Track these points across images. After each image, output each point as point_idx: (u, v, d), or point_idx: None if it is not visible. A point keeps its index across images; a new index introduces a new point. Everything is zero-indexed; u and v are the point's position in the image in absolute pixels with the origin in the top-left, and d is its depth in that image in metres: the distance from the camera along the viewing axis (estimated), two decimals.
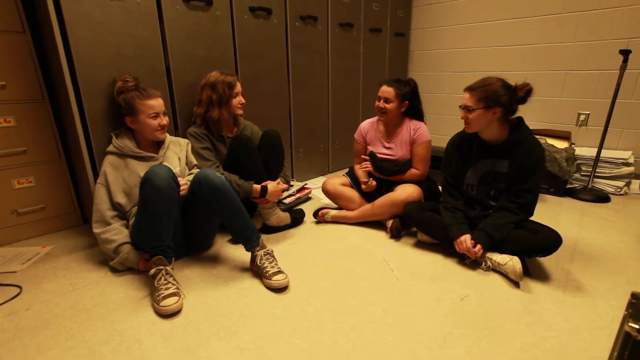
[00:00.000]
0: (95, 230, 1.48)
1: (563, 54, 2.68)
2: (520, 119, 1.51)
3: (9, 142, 1.70)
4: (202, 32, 1.91)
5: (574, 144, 2.69)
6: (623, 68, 2.13)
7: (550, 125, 2.81)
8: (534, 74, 2.82)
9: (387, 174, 1.92)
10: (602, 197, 2.31)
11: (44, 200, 1.85)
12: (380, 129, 2.01)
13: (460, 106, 1.52)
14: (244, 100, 1.83)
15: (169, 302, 1.23)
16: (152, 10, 1.70)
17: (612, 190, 2.43)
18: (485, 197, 1.59)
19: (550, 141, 2.58)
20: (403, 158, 1.94)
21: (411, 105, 1.90)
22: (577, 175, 2.52)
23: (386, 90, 1.86)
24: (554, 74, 2.74)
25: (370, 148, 2.03)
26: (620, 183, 2.42)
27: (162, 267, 1.31)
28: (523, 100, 1.45)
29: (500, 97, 1.42)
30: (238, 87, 1.81)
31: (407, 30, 3.40)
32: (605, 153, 2.45)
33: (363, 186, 1.89)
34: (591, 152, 2.49)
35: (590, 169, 2.40)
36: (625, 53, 2.11)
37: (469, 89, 1.48)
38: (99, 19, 1.55)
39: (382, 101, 1.88)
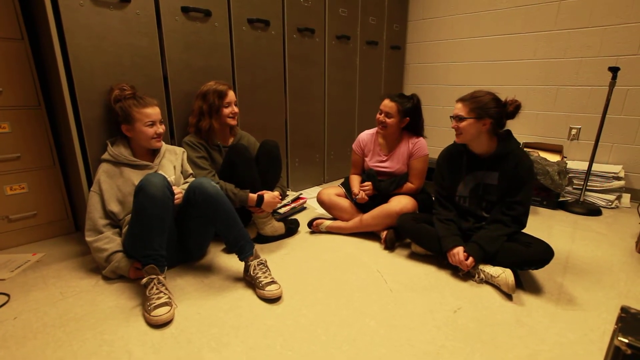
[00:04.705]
0: (88, 239, 1.47)
1: (555, 69, 2.74)
2: (509, 132, 1.55)
3: (3, 148, 1.69)
4: (201, 43, 1.93)
5: (565, 157, 2.73)
6: (612, 84, 2.18)
7: (543, 139, 2.86)
8: (527, 88, 2.87)
9: (386, 193, 1.93)
10: (593, 211, 2.34)
11: (36, 207, 1.83)
12: (379, 141, 2.02)
13: (451, 116, 1.56)
14: (236, 110, 1.83)
15: (160, 312, 1.22)
16: (152, 20, 1.71)
17: (604, 203, 2.46)
18: (478, 208, 1.61)
19: (543, 154, 2.61)
20: (400, 171, 1.96)
21: (412, 121, 1.91)
22: (569, 188, 2.55)
23: (388, 105, 1.87)
24: (546, 88, 2.79)
25: (367, 160, 2.04)
26: (612, 196, 2.45)
27: (154, 277, 1.30)
28: (512, 114, 1.50)
29: (491, 109, 1.47)
30: (230, 97, 1.79)
31: (402, 44, 3.46)
32: (596, 167, 2.49)
33: (354, 196, 1.90)
34: (583, 165, 2.53)
35: (582, 183, 2.43)
36: (614, 70, 2.16)
37: (462, 99, 1.54)
38: (98, 28, 1.56)
39: (383, 115, 1.89)
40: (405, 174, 1.95)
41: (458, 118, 1.52)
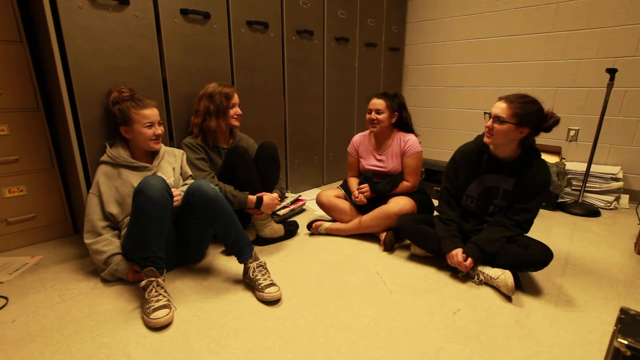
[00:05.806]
0: (86, 241, 1.46)
1: (553, 71, 2.74)
2: (534, 141, 1.49)
3: (2, 150, 1.68)
4: (200, 45, 1.93)
5: (564, 158, 2.74)
6: (610, 86, 2.19)
7: (541, 140, 2.86)
8: (525, 89, 2.87)
9: (383, 194, 1.94)
10: (592, 212, 2.34)
11: (35, 210, 1.82)
12: (372, 141, 2.04)
13: (487, 113, 1.47)
14: (240, 112, 1.85)
15: (159, 315, 1.22)
16: (151, 22, 1.72)
17: (602, 204, 2.46)
18: (483, 211, 1.60)
19: (542, 156, 2.61)
20: (395, 170, 1.97)
21: (400, 116, 1.96)
22: (567, 189, 2.56)
23: (377, 102, 1.92)
24: (545, 90, 2.80)
25: (362, 161, 2.05)
26: (610, 198, 2.46)
27: (153, 279, 1.30)
28: (549, 129, 1.43)
29: (534, 119, 1.39)
30: (235, 99, 1.82)
31: (401, 45, 3.47)
32: (594, 168, 2.50)
33: (354, 198, 1.91)
34: (581, 167, 2.53)
35: (581, 184, 2.44)
36: (612, 72, 2.17)
37: (507, 99, 1.41)
38: (97, 31, 1.56)
39: (373, 113, 1.93)
40: (400, 173, 1.96)
41: (497, 119, 1.41)
